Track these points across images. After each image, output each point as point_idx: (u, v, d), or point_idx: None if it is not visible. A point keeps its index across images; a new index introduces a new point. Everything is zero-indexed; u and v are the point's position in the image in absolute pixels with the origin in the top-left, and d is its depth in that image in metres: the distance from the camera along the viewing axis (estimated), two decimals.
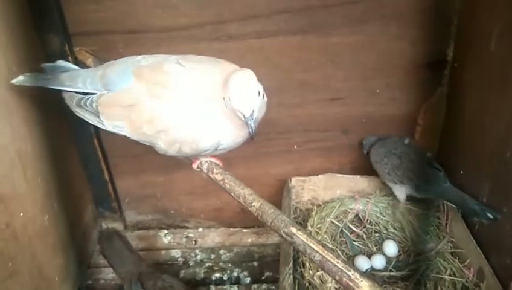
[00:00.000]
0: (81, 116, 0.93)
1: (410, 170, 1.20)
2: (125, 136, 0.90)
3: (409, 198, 1.27)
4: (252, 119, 0.80)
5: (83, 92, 0.92)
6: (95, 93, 0.90)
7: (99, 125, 0.91)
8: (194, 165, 0.96)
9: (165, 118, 0.83)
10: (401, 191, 1.25)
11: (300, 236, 0.72)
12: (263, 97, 0.85)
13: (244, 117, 0.80)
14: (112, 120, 0.89)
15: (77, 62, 1.25)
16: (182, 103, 0.83)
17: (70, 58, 1.23)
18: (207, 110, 0.83)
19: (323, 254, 0.68)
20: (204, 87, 0.83)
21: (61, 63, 1.00)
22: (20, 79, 0.94)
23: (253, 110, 0.80)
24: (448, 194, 1.17)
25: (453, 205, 1.18)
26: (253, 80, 0.81)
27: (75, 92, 0.93)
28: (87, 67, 1.20)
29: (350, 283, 0.64)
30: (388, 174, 1.24)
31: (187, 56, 0.89)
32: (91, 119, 0.91)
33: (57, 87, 0.94)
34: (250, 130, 0.81)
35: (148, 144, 0.90)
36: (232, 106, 0.80)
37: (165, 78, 0.84)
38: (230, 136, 0.86)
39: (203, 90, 0.83)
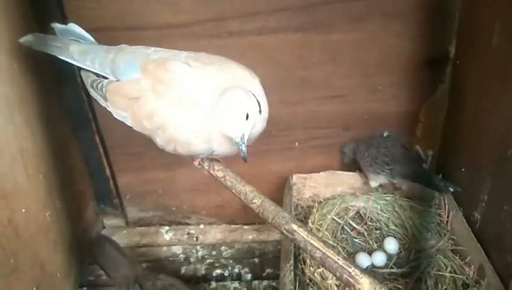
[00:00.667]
0: (94, 97, 0.95)
1: (386, 156, 1.24)
2: (130, 127, 0.92)
3: (409, 193, 1.30)
4: (244, 142, 0.78)
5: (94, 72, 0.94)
6: (105, 77, 0.92)
7: (108, 110, 0.93)
8: (196, 162, 0.96)
9: (163, 116, 0.84)
10: (376, 182, 1.29)
11: (301, 233, 0.72)
12: (259, 113, 0.82)
13: (235, 141, 0.78)
14: (117, 108, 0.90)
15: None
16: (181, 104, 0.83)
17: None
18: (204, 116, 0.81)
19: (324, 250, 0.68)
20: (206, 92, 0.82)
21: (73, 26, 0.98)
22: (28, 39, 0.94)
23: (242, 134, 0.78)
24: (417, 175, 1.24)
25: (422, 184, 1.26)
26: (243, 102, 0.78)
27: (90, 72, 0.94)
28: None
29: (351, 280, 0.64)
30: (370, 166, 1.26)
31: (198, 54, 0.88)
32: (102, 102, 0.94)
33: (66, 59, 0.94)
34: (242, 154, 0.79)
35: (148, 137, 0.91)
36: (220, 130, 0.79)
37: (170, 77, 0.84)
38: (224, 144, 0.84)
39: (205, 95, 0.82)
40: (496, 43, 1.02)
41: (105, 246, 1.15)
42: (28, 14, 1.11)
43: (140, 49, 0.92)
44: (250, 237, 1.51)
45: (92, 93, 0.95)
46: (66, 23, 0.99)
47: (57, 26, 0.97)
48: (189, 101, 0.83)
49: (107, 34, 1.21)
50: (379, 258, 1.22)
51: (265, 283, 1.33)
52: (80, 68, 0.96)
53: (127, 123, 0.91)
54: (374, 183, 1.30)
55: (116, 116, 0.92)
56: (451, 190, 1.19)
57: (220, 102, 0.78)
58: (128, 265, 1.11)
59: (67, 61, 0.95)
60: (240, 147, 0.78)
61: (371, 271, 1.20)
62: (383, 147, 1.25)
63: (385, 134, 1.29)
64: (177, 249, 1.47)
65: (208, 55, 0.89)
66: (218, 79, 0.83)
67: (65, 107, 1.30)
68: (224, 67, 0.86)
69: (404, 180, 1.29)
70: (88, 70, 0.94)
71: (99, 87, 0.92)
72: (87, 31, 1.21)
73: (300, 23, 1.20)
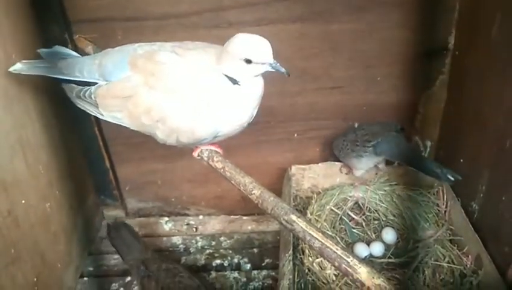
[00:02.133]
0: (82, 108, 0.93)
1: (365, 134, 1.24)
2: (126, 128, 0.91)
3: (407, 184, 1.29)
4: (277, 63, 0.83)
5: (81, 82, 0.91)
6: (94, 83, 0.90)
7: (100, 116, 0.91)
8: (195, 153, 0.96)
9: (161, 108, 0.83)
10: (361, 169, 1.29)
11: (300, 223, 0.72)
12: None
13: (271, 65, 0.82)
14: (110, 111, 0.88)
15: (77, 50, 1.25)
16: (177, 92, 0.82)
17: (70, 46, 1.22)
18: (204, 98, 0.82)
19: (323, 241, 0.69)
20: (200, 75, 0.83)
21: (59, 48, 0.99)
22: (17, 67, 0.94)
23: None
24: (408, 156, 1.22)
25: (413, 168, 1.21)
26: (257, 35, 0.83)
27: (74, 83, 0.92)
28: (87, 54, 1.20)
29: (349, 269, 0.65)
30: (352, 152, 1.26)
31: (182, 43, 0.88)
32: (92, 111, 0.91)
33: (56, 76, 0.93)
34: (284, 70, 0.84)
35: (147, 134, 0.90)
36: (255, 61, 0.80)
37: (160, 68, 0.83)
38: (229, 121, 0.85)
39: (199, 78, 0.83)
40: (496, 34, 1.02)
41: (121, 230, 1.21)
42: (26, 6, 1.10)
43: (125, 47, 0.91)
44: (249, 227, 1.52)
45: (80, 104, 0.92)
46: (51, 47, 0.99)
47: (42, 51, 0.97)
48: (185, 88, 0.82)
49: (106, 24, 1.21)
50: (377, 248, 1.23)
51: (264, 272, 1.34)
52: (61, 81, 0.94)
53: (122, 124, 0.89)
54: (358, 172, 1.30)
55: (110, 120, 0.90)
56: (452, 179, 1.10)
57: (241, 43, 0.80)
58: (140, 249, 1.17)
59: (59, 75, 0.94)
60: (277, 68, 0.84)
61: (369, 261, 1.21)
62: (359, 129, 1.27)
63: (356, 125, 1.30)
64: (177, 240, 1.48)
65: (191, 42, 0.89)
66: (208, 59, 0.83)
67: (63, 98, 1.29)
68: (211, 49, 0.86)
69: (391, 158, 1.27)
70: (71, 82, 0.93)
71: (87, 95, 0.89)
72: (86, 21, 1.21)
73: (299, 13, 1.19)
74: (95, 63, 0.90)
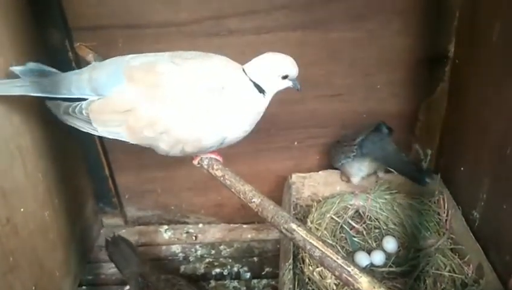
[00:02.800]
0: (71, 124, 0.88)
1: (348, 136, 1.26)
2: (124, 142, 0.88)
3: (408, 192, 1.29)
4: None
5: (68, 98, 0.87)
6: (82, 99, 0.86)
7: (92, 132, 0.87)
8: (195, 161, 0.96)
9: (165, 120, 0.81)
10: (357, 177, 1.29)
11: (300, 232, 0.72)
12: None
13: (293, 82, 0.92)
14: (107, 127, 0.85)
15: (78, 58, 1.25)
16: (181, 102, 0.81)
17: (70, 53, 1.23)
18: (208, 106, 0.81)
19: (323, 249, 0.68)
20: (202, 83, 0.82)
21: (32, 65, 0.93)
22: None
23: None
24: (390, 158, 1.23)
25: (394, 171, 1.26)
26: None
27: (60, 99, 0.88)
28: (88, 63, 1.20)
29: (349, 279, 0.64)
30: (342, 154, 1.27)
31: (178, 53, 0.87)
32: (82, 127, 0.87)
33: (39, 94, 0.87)
34: (299, 87, 0.94)
35: (147, 146, 0.87)
36: (290, 78, 0.90)
37: (160, 79, 0.81)
38: (236, 127, 0.85)
39: (202, 87, 0.82)
40: (496, 42, 1.02)
41: (120, 245, 1.22)
42: (27, 13, 1.10)
43: (115, 59, 0.88)
44: (249, 236, 1.51)
45: (69, 121, 0.87)
46: (24, 64, 0.94)
47: (15, 69, 0.92)
48: (188, 97, 0.81)
49: (107, 32, 1.21)
50: (378, 257, 1.22)
51: (264, 281, 1.33)
52: (45, 98, 0.89)
53: (120, 139, 0.86)
54: (355, 179, 1.30)
55: (105, 135, 0.86)
56: (428, 181, 1.18)
57: (271, 60, 0.88)
58: (137, 263, 1.18)
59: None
60: (297, 84, 0.93)
61: (370, 270, 1.20)
62: (349, 136, 1.28)
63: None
64: (176, 248, 1.47)
65: (187, 52, 0.88)
66: (210, 67, 0.84)
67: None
68: (208, 57, 0.86)
69: (376, 160, 1.27)
70: (56, 99, 0.88)
71: (77, 111, 0.84)
72: (87, 29, 1.21)
73: (299, 21, 1.20)
74: (83, 78, 0.86)
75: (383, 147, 1.22)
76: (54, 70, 0.92)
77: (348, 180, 1.34)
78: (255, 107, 0.87)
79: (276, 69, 0.87)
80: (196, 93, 0.81)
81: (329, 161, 1.35)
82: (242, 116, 0.85)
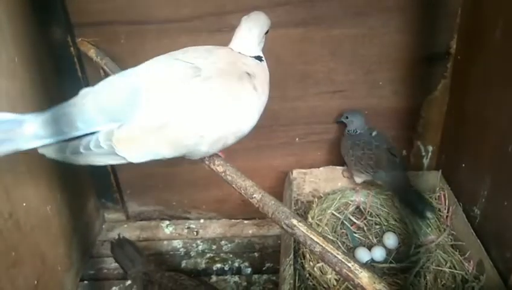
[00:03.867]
0: (86, 163, 0.76)
1: (371, 159, 1.23)
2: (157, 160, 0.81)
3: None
4: None
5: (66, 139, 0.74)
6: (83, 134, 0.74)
7: (117, 162, 0.77)
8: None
9: (205, 121, 0.77)
10: (361, 178, 1.29)
11: (301, 228, 0.72)
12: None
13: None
14: (142, 151, 0.76)
15: (80, 53, 1.25)
16: (214, 100, 0.77)
17: (72, 49, 1.23)
18: (240, 93, 0.80)
19: (324, 245, 0.68)
20: (226, 74, 0.79)
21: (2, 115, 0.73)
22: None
23: None
24: (398, 190, 1.23)
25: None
26: None
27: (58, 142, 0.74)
28: (90, 58, 1.21)
29: (350, 274, 0.64)
30: (355, 165, 1.26)
31: (178, 54, 0.82)
32: (102, 161, 0.76)
33: (31, 146, 0.72)
34: None
35: (182, 155, 0.82)
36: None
37: (184, 84, 0.76)
38: (263, 98, 0.85)
39: (226, 77, 0.79)
40: (498, 39, 1.02)
41: (125, 246, 1.23)
42: (29, 9, 1.10)
43: (121, 78, 0.78)
44: (250, 231, 1.51)
45: (82, 160, 0.75)
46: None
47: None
48: (219, 92, 0.78)
49: (109, 28, 1.21)
50: (378, 253, 1.22)
51: (265, 277, 1.34)
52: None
53: (157, 158, 0.78)
54: (358, 179, 1.30)
55: (138, 160, 0.77)
56: (429, 216, 1.21)
57: (262, 16, 0.88)
58: (142, 263, 1.19)
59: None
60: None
61: (371, 266, 1.20)
62: (368, 148, 1.23)
63: (373, 133, 1.27)
64: (178, 244, 1.48)
65: (185, 51, 0.83)
66: (224, 56, 0.83)
67: (66, 101, 1.30)
68: (213, 48, 0.85)
69: (385, 186, 1.29)
70: (51, 145, 0.74)
71: (92, 146, 0.73)
72: (89, 25, 1.21)
73: (301, 18, 1.20)
74: (87, 109, 0.74)
75: (393, 178, 1.22)
76: (18, 116, 0.73)
77: (350, 177, 1.34)
78: (267, 76, 0.88)
79: (262, 30, 0.88)
80: (226, 85, 0.79)
81: (340, 149, 1.32)
82: (264, 88, 0.85)
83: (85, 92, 0.76)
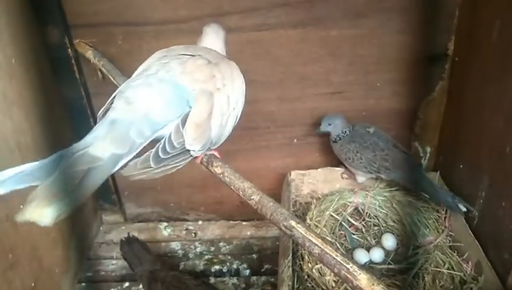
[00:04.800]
0: (163, 171, 0.73)
1: (385, 160, 1.22)
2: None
3: (407, 189, 1.30)
4: None
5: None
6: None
7: (185, 163, 0.75)
8: (198, 160, 0.96)
9: (234, 96, 0.81)
10: (365, 178, 1.30)
11: (299, 229, 0.71)
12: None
13: None
14: (204, 140, 0.76)
15: (77, 54, 1.25)
16: (226, 74, 0.80)
17: (70, 50, 1.23)
18: (237, 72, 0.84)
19: (322, 247, 0.68)
20: (220, 60, 0.83)
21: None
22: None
23: None
24: (420, 183, 1.22)
25: (426, 195, 1.25)
26: None
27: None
28: (87, 59, 1.20)
29: (348, 276, 0.64)
30: (365, 168, 1.25)
31: (176, 50, 0.83)
32: (179, 164, 0.74)
33: (106, 174, 0.63)
34: None
35: (221, 136, 0.83)
36: None
37: (211, 68, 0.78)
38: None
39: (224, 61, 0.83)
40: (496, 40, 1.02)
41: (133, 245, 1.24)
42: (26, 10, 1.10)
43: (144, 81, 0.74)
44: (248, 233, 1.51)
45: (158, 172, 0.72)
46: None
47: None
48: (232, 72, 0.83)
49: (106, 29, 1.21)
50: (377, 255, 1.22)
51: (263, 278, 1.34)
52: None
53: (208, 145, 0.77)
54: (361, 179, 1.30)
55: (200, 152, 0.76)
56: (463, 209, 1.16)
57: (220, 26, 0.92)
58: (150, 261, 1.20)
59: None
60: None
61: (369, 267, 1.20)
62: (379, 149, 1.22)
63: (371, 130, 1.26)
64: (176, 245, 1.47)
65: (184, 46, 0.85)
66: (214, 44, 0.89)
67: (64, 103, 1.30)
68: (198, 47, 0.88)
69: (403, 184, 1.28)
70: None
71: (169, 149, 0.71)
72: (86, 26, 1.21)
73: (299, 19, 1.20)
74: (135, 124, 0.68)
75: (410, 176, 1.23)
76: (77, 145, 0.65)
77: (350, 177, 1.34)
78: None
79: (225, 35, 0.92)
80: (229, 67, 0.82)
81: (339, 155, 1.30)
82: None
83: (122, 104, 0.69)
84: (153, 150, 0.71)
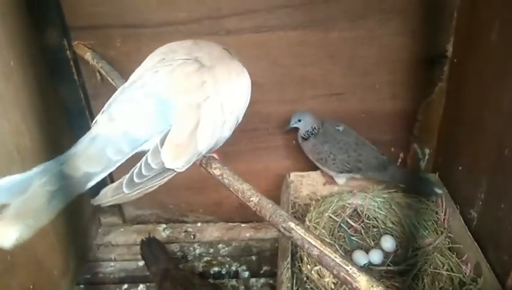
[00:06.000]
0: (140, 193, 0.73)
1: (359, 161, 1.24)
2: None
3: (406, 191, 1.31)
4: None
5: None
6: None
7: (166, 180, 0.74)
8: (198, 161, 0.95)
9: (229, 100, 0.79)
10: (343, 179, 1.32)
11: (298, 231, 0.71)
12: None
13: None
14: (188, 156, 0.75)
15: (76, 56, 1.25)
16: (224, 80, 0.79)
17: (68, 52, 1.23)
18: (240, 69, 0.83)
19: (321, 248, 0.68)
20: (218, 58, 0.82)
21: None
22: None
23: None
24: (395, 175, 1.27)
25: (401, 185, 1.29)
26: None
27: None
28: (86, 61, 1.20)
29: (348, 278, 0.64)
30: (337, 168, 1.27)
31: (175, 50, 0.84)
32: (156, 183, 0.73)
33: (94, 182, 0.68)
34: None
35: (214, 145, 0.82)
36: None
37: (198, 71, 0.77)
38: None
39: (223, 61, 0.82)
40: (494, 42, 1.02)
41: (152, 244, 1.29)
42: (25, 12, 1.10)
43: (128, 95, 0.73)
44: (247, 234, 1.51)
45: (135, 192, 0.72)
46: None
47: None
48: (228, 73, 0.81)
49: (105, 31, 1.21)
50: (376, 256, 1.22)
51: (262, 280, 1.33)
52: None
53: (195, 158, 0.77)
54: (340, 181, 1.32)
55: (185, 168, 0.74)
56: (439, 191, 1.23)
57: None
58: (165, 260, 1.24)
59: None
60: None
61: (368, 269, 1.20)
62: (352, 150, 1.24)
63: (341, 128, 1.27)
64: (175, 247, 1.47)
65: (169, 49, 0.86)
66: (213, 46, 0.87)
67: (62, 104, 1.30)
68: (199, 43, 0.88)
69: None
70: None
71: (145, 171, 0.71)
72: (85, 28, 1.21)
73: (299, 20, 1.20)
74: (114, 140, 0.69)
75: (385, 174, 1.27)
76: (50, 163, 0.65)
77: (332, 182, 1.36)
78: None
79: None
80: (226, 68, 0.81)
81: (309, 154, 1.30)
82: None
83: (105, 121, 0.71)
84: (127, 177, 0.71)
